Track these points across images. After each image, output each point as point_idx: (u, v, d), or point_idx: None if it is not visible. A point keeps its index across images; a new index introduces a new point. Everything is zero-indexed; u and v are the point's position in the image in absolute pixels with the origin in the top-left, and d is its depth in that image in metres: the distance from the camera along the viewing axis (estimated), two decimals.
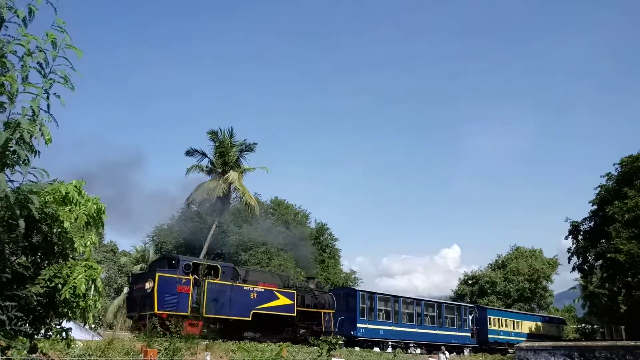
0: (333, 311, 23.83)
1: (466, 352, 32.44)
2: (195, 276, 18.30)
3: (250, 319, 19.68)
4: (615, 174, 35.44)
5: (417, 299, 32.04)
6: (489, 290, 61.82)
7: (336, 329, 24.21)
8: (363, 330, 27.17)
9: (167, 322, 14.08)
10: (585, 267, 38.22)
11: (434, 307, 32.28)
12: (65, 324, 5.90)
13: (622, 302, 48.60)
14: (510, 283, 60.89)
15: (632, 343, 12.11)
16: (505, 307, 51.91)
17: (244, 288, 19.81)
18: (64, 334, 5.75)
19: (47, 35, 4.32)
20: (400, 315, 29.62)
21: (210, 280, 18.72)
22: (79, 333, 19.07)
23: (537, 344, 15.15)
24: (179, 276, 17.71)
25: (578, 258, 37.89)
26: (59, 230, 5.41)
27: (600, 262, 35.32)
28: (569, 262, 39.16)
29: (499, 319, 37.13)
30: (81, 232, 5.68)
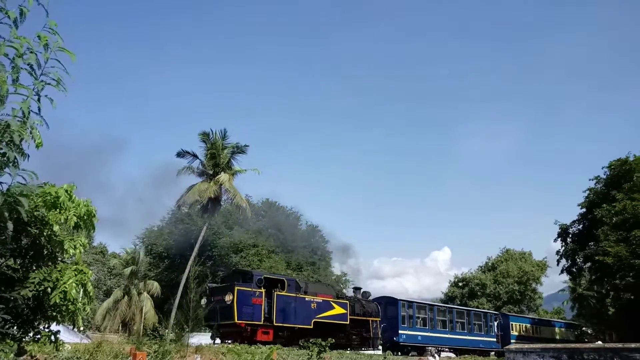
0: (379, 319, 25.93)
1: (492, 355, 33.79)
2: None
3: (312, 326, 21.79)
4: (604, 177, 35.75)
5: (449, 307, 34.85)
6: (479, 293, 62.15)
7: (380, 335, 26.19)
8: (404, 336, 28.95)
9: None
10: (574, 270, 38.50)
11: (463, 315, 34.58)
12: (53, 326, 5.86)
13: (610, 305, 48.99)
14: (500, 285, 61.26)
15: (619, 345, 12.18)
16: (495, 310, 52.22)
17: (306, 299, 22.01)
18: (52, 337, 5.70)
19: (39, 37, 4.28)
20: (435, 322, 31.64)
21: (279, 293, 20.83)
22: (67, 335, 18.92)
23: (526, 346, 15.25)
24: (253, 289, 19.78)
25: (567, 260, 38.14)
26: (49, 232, 5.37)
27: (588, 264, 35.60)
28: (557, 265, 39.45)
29: (519, 324, 39.12)
30: (71, 234, 5.65)
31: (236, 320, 18.81)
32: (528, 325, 40.09)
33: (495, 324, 36.37)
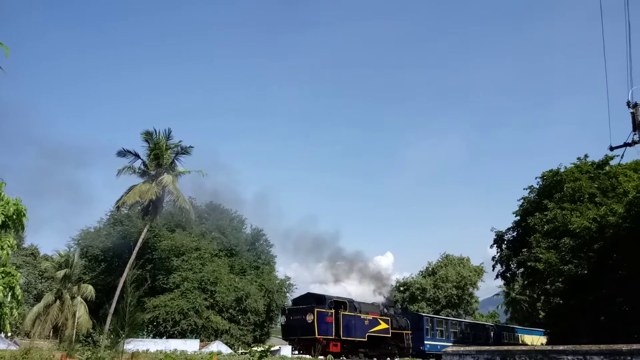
0: (410, 332, 30.65)
1: None
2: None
3: (366, 339, 26.58)
4: (537, 187, 37.39)
5: (459, 321, 40.16)
6: (419, 297, 63.72)
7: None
8: (428, 345, 33.50)
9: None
10: (508, 275, 39.87)
11: (468, 327, 40.12)
12: None
13: (540, 308, 51.40)
14: (440, 290, 63.05)
15: (549, 347, 12.80)
16: (434, 313, 53.65)
17: (361, 317, 26.83)
18: None
19: None
20: (449, 334, 36.62)
21: (344, 313, 25.59)
22: None
23: (462, 348, 15.74)
24: (327, 310, 24.70)
25: (501, 266, 39.43)
26: None
27: (521, 270, 36.99)
28: (493, 270, 40.74)
29: (508, 333, 44.19)
30: None
31: (317, 336, 23.66)
32: (516, 334, 45.23)
33: (492, 334, 41.26)
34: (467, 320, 45.65)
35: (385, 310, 30.42)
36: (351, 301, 27.14)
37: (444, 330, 36.24)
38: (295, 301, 28.26)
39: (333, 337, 24.47)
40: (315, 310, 24.06)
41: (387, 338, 28.33)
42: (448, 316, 51.11)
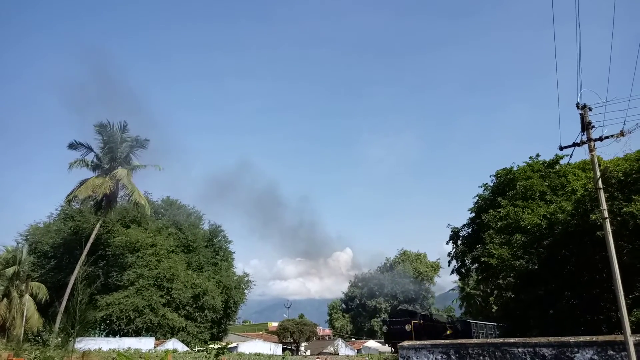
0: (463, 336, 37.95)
1: None
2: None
3: None
4: (491, 184, 38.40)
5: (493, 324, 45.98)
6: (377, 292, 64.52)
7: None
8: None
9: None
10: (463, 270, 40.87)
11: (500, 329, 44.82)
12: None
13: (493, 302, 53.00)
14: (397, 285, 64.02)
15: (500, 340, 13.13)
16: (390, 307, 54.40)
17: (437, 325, 35.53)
18: None
19: None
20: (486, 334, 41.80)
21: (427, 323, 33.84)
22: None
23: (418, 342, 15.98)
24: (418, 321, 33.19)
25: (457, 262, 40.38)
26: None
27: (475, 265, 37.95)
28: (449, 265, 41.71)
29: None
30: None
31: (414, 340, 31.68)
32: None
33: None
34: (496, 323, 51.18)
35: (449, 319, 39.12)
36: (431, 314, 38.15)
37: (484, 333, 41.85)
38: (392, 314, 37.93)
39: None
40: (412, 322, 32.78)
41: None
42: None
